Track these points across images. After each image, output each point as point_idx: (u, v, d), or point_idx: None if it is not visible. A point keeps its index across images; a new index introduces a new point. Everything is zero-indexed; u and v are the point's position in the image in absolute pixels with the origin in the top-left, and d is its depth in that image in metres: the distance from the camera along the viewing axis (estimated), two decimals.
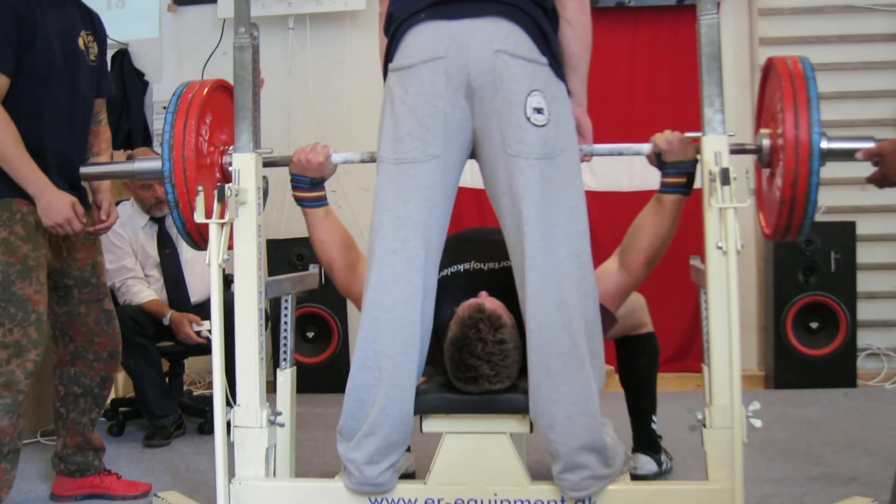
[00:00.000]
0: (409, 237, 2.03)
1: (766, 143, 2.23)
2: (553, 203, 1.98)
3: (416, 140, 2.01)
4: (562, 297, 1.98)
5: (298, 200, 2.40)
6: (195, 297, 3.74)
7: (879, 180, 1.96)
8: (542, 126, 1.96)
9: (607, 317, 2.32)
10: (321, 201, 2.40)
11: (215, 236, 2.15)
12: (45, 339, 2.45)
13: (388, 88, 2.08)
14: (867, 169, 2.02)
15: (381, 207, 2.06)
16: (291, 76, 4.71)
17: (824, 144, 2.05)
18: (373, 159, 2.35)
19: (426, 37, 2.02)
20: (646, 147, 2.28)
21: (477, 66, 1.98)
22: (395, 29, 2.09)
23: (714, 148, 2.13)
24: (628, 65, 4.64)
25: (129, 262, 3.68)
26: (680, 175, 2.25)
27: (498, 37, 1.98)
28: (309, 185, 2.37)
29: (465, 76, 1.98)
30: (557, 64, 2.05)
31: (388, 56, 2.11)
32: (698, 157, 2.22)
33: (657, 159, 2.28)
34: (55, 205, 2.41)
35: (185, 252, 3.73)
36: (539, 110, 1.96)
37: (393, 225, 2.04)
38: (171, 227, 3.69)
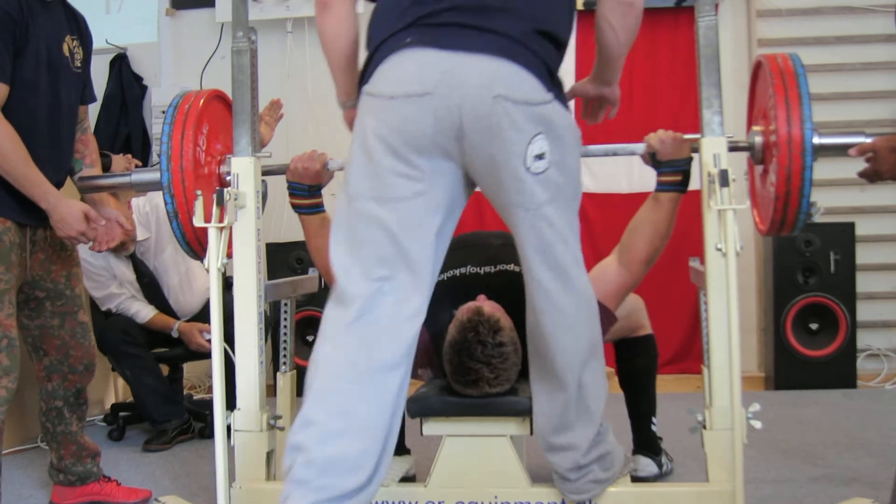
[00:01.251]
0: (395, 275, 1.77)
1: (758, 140, 2.24)
2: (553, 249, 1.80)
3: (400, 177, 1.73)
4: (573, 341, 1.90)
5: (296, 207, 2.40)
6: (196, 303, 3.73)
7: (871, 175, 1.97)
8: (542, 172, 1.73)
9: (607, 315, 2.32)
10: (318, 208, 2.41)
11: (214, 240, 2.15)
12: (18, 364, 2.34)
13: (360, 115, 1.80)
14: (863, 167, 2.03)
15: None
16: (290, 80, 4.71)
17: (816, 140, 2.06)
18: None
19: (411, 67, 1.72)
20: (640, 147, 2.29)
21: (472, 110, 1.69)
22: (374, 49, 1.83)
23: (713, 149, 2.13)
24: (627, 66, 4.58)
25: (113, 287, 3.59)
26: (675, 173, 2.26)
27: (499, 79, 1.69)
28: (307, 192, 2.38)
29: (457, 118, 1.70)
30: (562, 91, 1.82)
31: (364, 77, 1.86)
32: (693, 154, 2.22)
33: (652, 159, 2.29)
34: (68, 219, 2.33)
35: (172, 277, 3.69)
36: (540, 156, 1.73)
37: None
38: (144, 255, 3.62)
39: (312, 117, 4.69)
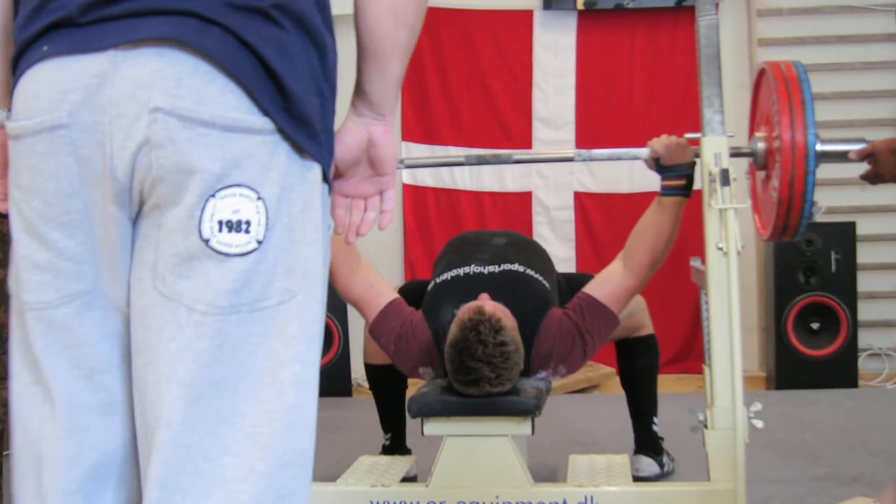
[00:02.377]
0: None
1: (761, 146, 2.24)
2: (238, 399, 0.97)
3: (39, 270, 1.02)
4: None
5: None
6: None
7: (872, 177, 1.99)
8: (243, 255, 0.96)
9: (611, 318, 2.33)
10: None
11: None
12: None
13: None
14: (864, 168, 2.04)
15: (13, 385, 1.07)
16: None
17: (818, 147, 2.07)
18: None
19: (41, 86, 1.00)
20: (643, 151, 2.30)
21: (120, 141, 0.96)
22: (14, 63, 1.06)
23: (714, 149, 2.13)
24: (627, 66, 4.65)
25: None
26: (679, 178, 2.27)
27: (159, 81, 0.95)
28: None
29: (107, 159, 0.97)
30: (302, 125, 1.00)
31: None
32: (696, 159, 2.23)
33: (655, 164, 2.29)
34: None
35: None
36: (237, 225, 0.95)
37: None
38: None
39: None
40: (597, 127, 4.62)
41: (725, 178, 2.05)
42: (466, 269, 2.43)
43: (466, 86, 4.67)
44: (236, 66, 0.95)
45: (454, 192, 4.68)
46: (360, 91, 1.11)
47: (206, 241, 0.95)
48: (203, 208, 0.95)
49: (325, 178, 1.04)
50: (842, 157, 2.14)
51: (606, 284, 2.34)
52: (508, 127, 4.66)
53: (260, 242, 0.96)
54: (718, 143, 2.14)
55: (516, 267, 2.43)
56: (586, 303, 2.33)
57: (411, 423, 2.26)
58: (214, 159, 0.95)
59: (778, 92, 2.09)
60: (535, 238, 4.50)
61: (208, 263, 0.95)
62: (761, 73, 2.28)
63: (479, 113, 4.67)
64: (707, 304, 2.18)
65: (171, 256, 0.96)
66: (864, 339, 4.42)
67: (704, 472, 2.15)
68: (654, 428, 2.75)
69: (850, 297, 4.24)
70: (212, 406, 0.95)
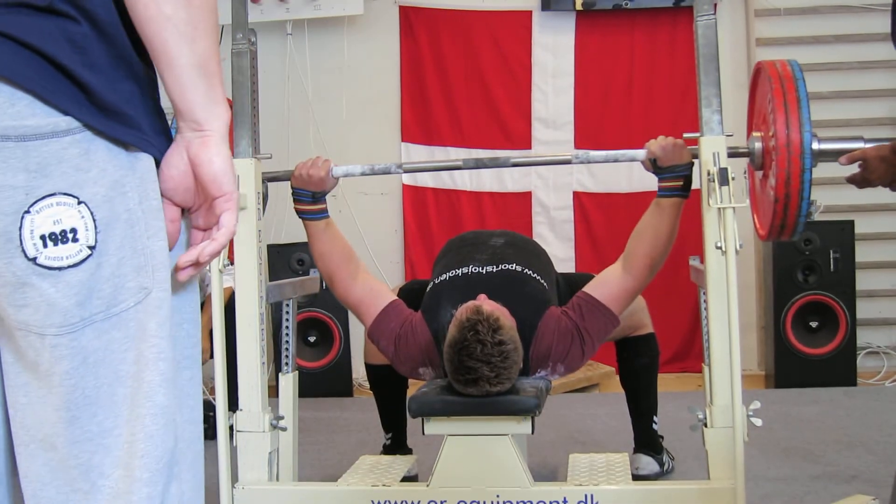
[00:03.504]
0: None
1: (757, 145, 2.25)
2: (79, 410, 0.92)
3: None
4: None
5: (300, 213, 2.42)
6: None
7: (859, 181, 2.02)
8: (76, 265, 0.89)
9: (610, 318, 2.34)
10: (322, 213, 2.43)
11: None
12: None
13: None
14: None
15: None
16: (290, 81, 4.72)
17: (815, 146, 2.08)
18: (374, 172, 2.40)
19: None
20: (640, 153, 2.31)
21: None
22: None
23: (712, 148, 2.14)
24: (626, 67, 4.66)
25: None
26: (676, 179, 2.27)
27: None
28: (311, 198, 2.40)
29: None
30: (113, 115, 0.91)
31: None
32: (694, 159, 2.24)
33: (653, 165, 2.30)
34: None
35: None
36: (61, 235, 0.89)
37: None
38: None
39: (313, 119, 4.70)
40: (596, 127, 4.63)
41: (724, 177, 2.05)
42: (465, 270, 2.44)
43: (466, 86, 4.68)
44: (17, 73, 0.86)
45: (454, 193, 4.69)
46: (170, 101, 0.97)
47: (34, 260, 0.88)
48: (20, 227, 0.87)
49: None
50: (839, 155, 2.15)
51: (606, 285, 2.35)
52: (508, 127, 4.67)
53: (92, 248, 0.89)
54: (717, 143, 2.15)
55: (514, 267, 2.43)
56: (585, 302, 2.34)
57: (412, 423, 2.27)
58: (16, 172, 0.86)
59: (773, 91, 2.10)
60: (535, 238, 4.51)
61: (43, 284, 0.88)
62: (757, 73, 2.29)
63: (479, 113, 4.68)
64: (706, 303, 2.18)
65: (2, 287, 0.88)
66: (863, 337, 4.43)
67: (704, 471, 2.16)
68: (654, 426, 2.75)
69: (849, 295, 4.25)
70: (93, 423, 0.91)
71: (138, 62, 0.94)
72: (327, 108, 4.77)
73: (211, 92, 0.95)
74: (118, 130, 0.91)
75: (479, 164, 2.61)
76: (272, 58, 4.64)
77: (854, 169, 2.01)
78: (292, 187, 2.41)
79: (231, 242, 2.24)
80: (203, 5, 0.93)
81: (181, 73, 0.93)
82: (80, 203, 0.89)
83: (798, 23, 4.60)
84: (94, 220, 0.89)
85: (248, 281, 2.28)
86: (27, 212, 0.87)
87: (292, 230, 4.44)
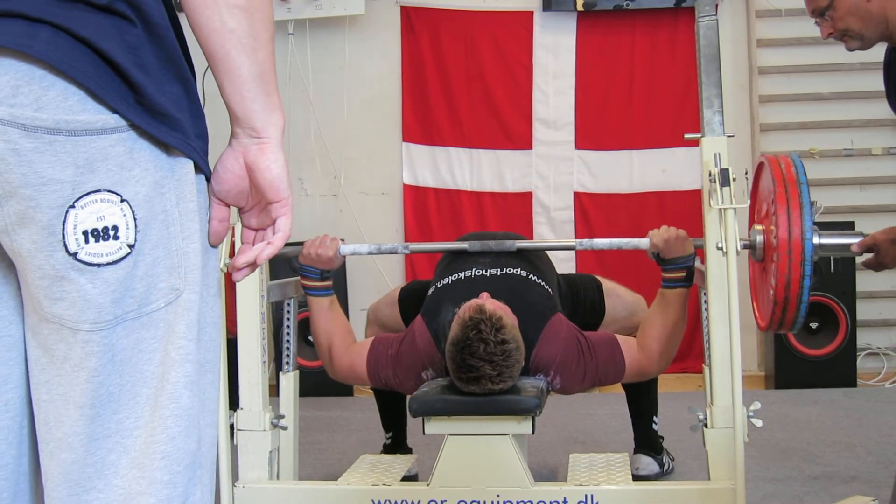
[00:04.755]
0: None
1: (759, 238, 2.25)
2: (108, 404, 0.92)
3: None
4: None
5: (307, 289, 2.47)
6: None
7: (875, 266, 2.06)
8: (115, 263, 0.90)
9: (620, 364, 2.36)
10: (328, 291, 2.47)
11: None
12: None
13: None
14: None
15: None
16: (291, 81, 4.73)
17: (816, 240, 2.08)
18: (380, 251, 2.49)
19: None
20: (644, 242, 2.36)
21: None
22: None
23: (713, 149, 2.14)
24: (627, 67, 4.66)
25: None
26: (679, 270, 2.31)
27: None
28: (318, 276, 2.45)
29: None
30: (160, 117, 0.92)
31: None
32: (695, 251, 2.29)
33: (655, 257, 2.34)
34: None
35: None
36: (103, 232, 0.89)
37: None
38: None
39: (314, 120, 4.71)
40: (596, 128, 4.64)
41: (725, 178, 2.06)
42: (468, 273, 2.44)
43: (467, 87, 4.68)
44: (73, 67, 0.86)
45: (455, 193, 4.69)
46: (227, 108, 0.98)
47: (74, 255, 0.88)
48: (64, 221, 0.87)
49: (200, 168, 0.97)
50: (840, 249, 2.19)
51: (628, 344, 2.39)
52: (508, 128, 4.67)
53: (132, 246, 0.90)
54: (718, 144, 2.15)
55: (518, 271, 2.44)
56: (608, 338, 2.38)
57: (412, 423, 2.28)
58: (65, 167, 0.86)
59: (777, 194, 2.09)
60: (536, 239, 4.52)
61: (81, 279, 0.89)
62: (761, 166, 2.29)
63: (480, 114, 4.68)
64: (706, 303, 2.19)
65: (40, 279, 0.89)
66: (863, 338, 4.43)
67: (704, 471, 2.17)
68: (654, 427, 2.76)
69: (849, 296, 4.25)
70: (113, 420, 0.91)
71: (185, 66, 0.95)
72: (328, 107, 4.77)
73: (268, 100, 0.98)
74: (162, 132, 0.91)
75: (484, 248, 2.49)
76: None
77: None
78: (300, 264, 2.46)
79: (233, 243, 2.25)
80: (264, 18, 0.95)
81: (242, 83, 0.95)
82: (122, 201, 0.89)
83: (799, 24, 4.59)
84: (135, 219, 0.90)
85: (249, 280, 2.29)
86: (72, 206, 0.87)
87: (294, 230, 4.45)
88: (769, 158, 2.19)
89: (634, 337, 2.40)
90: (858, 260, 2.02)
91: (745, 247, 2.27)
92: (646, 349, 2.36)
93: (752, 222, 2.33)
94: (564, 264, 4.38)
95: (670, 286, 2.33)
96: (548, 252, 2.73)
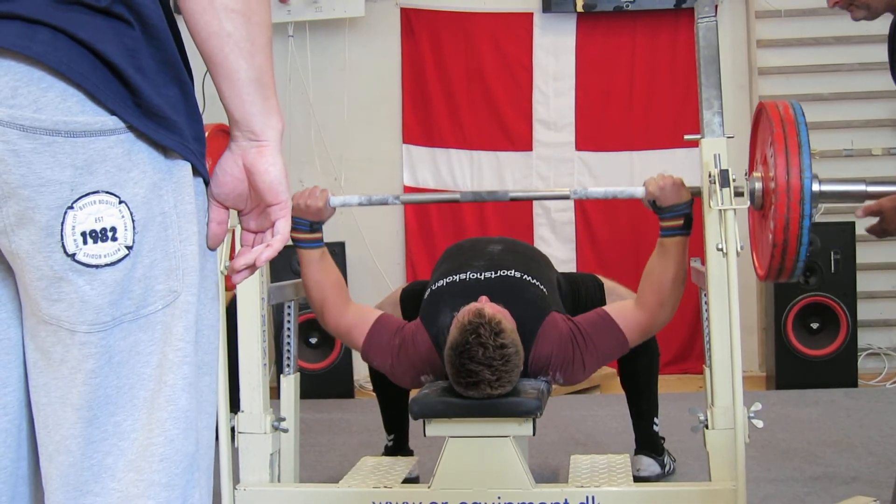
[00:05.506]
0: None
1: (758, 185, 2.25)
2: (124, 414, 0.92)
3: None
4: None
5: (296, 241, 2.44)
6: None
7: (878, 232, 2.05)
8: (113, 264, 0.90)
9: (621, 341, 2.35)
10: (318, 243, 2.45)
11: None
12: None
13: None
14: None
15: None
16: (291, 83, 4.73)
17: (815, 187, 2.08)
18: (370, 202, 2.42)
19: None
20: (639, 191, 2.33)
21: None
22: None
23: (713, 150, 2.14)
24: (627, 68, 4.66)
25: None
26: (677, 218, 2.29)
27: None
28: (308, 227, 2.42)
29: None
30: (157, 119, 0.92)
31: None
32: (692, 197, 2.25)
33: (652, 205, 2.32)
34: None
35: None
36: (101, 233, 0.89)
37: None
38: None
39: (314, 122, 4.71)
40: (597, 129, 4.64)
41: (725, 179, 2.06)
42: (462, 276, 2.44)
43: (467, 88, 4.69)
44: (72, 69, 0.86)
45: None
46: (226, 111, 0.99)
47: (73, 256, 0.88)
48: (63, 222, 0.87)
49: (198, 170, 0.97)
50: (839, 197, 2.18)
51: (623, 311, 2.37)
52: (509, 129, 4.68)
53: (130, 248, 0.90)
54: (718, 145, 2.15)
55: (513, 273, 2.44)
56: (601, 318, 2.36)
57: (413, 425, 2.28)
58: (64, 168, 0.86)
59: (774, 135, 2.09)
60: (536, 240, 4.52)
61: (79, 280, 0.88)
62: (759, 113, 2.29)
63: (480, 115, 4.68)
64: (707, 304, 2.19)
65: (38, 280, 0.89)
66: (864, 338, 4.43)
67: (705, 472, 2.17)
68: (655, 428, 2.76)
69: (850, 296, 4.25)
70: (111, 423, 0.91)
71: (182, 69, 0.96)
72: (329, 109, 4.78)
73: (267, 104, 0.99)
74: (160, 134, 0.91)
75: (476, 198, 2.61)
76: (274, 59, 4.64)
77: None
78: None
79: (233, 245, 2.25)
80: (261, 22, 0.97)
81: (240, 86, 0.96)
82: (121, 202, 0.89)
83: (798, 24, 4.60)
84: (133, 221, 0.90)
85: (249, 282, 2.29)
86: (70, 207, 0.87)
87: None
88: (768, 103, 2.19)
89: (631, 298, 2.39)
90: (861, 226, 2.01)
91: (742, 194, 2.26)
92: (645, 304, 2.34)
93: (751, 171, 2.32)
94: (565, 265, 4.38)
95: (669, 234, 2.31)
96: (547, 254, 2.74)
